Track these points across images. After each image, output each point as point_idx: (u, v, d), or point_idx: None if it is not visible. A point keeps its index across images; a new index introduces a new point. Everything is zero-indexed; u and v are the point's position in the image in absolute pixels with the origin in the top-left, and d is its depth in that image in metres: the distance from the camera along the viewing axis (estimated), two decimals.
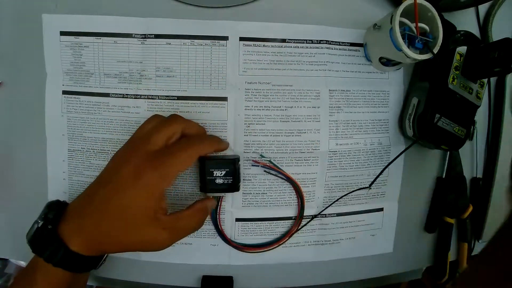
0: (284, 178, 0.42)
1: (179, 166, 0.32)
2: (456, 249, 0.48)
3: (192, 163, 0.34)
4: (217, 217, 0.42)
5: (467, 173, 0.47)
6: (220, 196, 0.41)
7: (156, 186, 0.32)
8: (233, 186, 0.39)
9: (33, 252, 0.32)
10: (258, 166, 0.41)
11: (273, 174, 0.42)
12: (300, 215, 0.43)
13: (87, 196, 0.33)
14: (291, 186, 0.42)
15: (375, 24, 0.38)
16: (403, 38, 0.35)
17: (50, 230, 0.31)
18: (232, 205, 0.42)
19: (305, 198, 0.42)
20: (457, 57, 0.39)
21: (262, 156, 0.41)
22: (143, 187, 0.31)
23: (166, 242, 0.33)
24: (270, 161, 0.41)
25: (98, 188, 0.33)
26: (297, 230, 0.43)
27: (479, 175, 0.48)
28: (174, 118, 0.36)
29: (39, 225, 0.32)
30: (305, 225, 0.43)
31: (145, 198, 0.31)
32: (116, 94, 0.40)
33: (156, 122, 0.35)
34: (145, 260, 0.43)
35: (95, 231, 0.31)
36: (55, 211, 0.33)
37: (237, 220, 0.42)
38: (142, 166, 0.32)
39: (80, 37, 0.40)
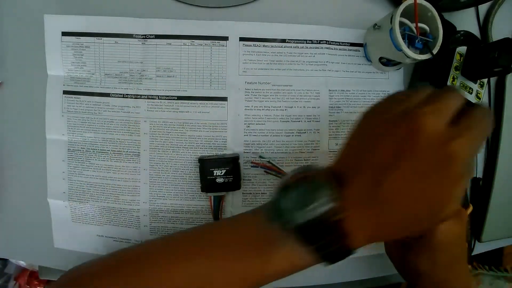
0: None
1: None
2: None
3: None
4: (219, 217, 0.41)
5: None
6: (221, 196, 0.41)
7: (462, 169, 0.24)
8: (234, 184, 0.39)
9: (297, 238, 0.25)
10: (258, 167, 0.41)
11: (273, 174, 0.42)
12: None
13: (372, 179, 0.25)
14: None
15: (375, 24, 0.38)
16: (403, 38, 0.35)
17: (336, 220, 0.24)
18: (232, 205, 0.42)
19: None
20: (457, 57, 0.39)
21: (262, 157, 0.41)
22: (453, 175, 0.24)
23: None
24: (269, 161, 0.41)
25: (387, 172, 0.24)
26: None
27: (479, 175, 0.48)
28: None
29: (326, 209, 0.24)
30: None
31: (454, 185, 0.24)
32: (116, 94, 0.40)
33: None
34: None
35: (383, 226, 0.25)
36: (337, 197, 0.24)
37: None
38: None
39: (82, 38, 0.40)
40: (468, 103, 0.27)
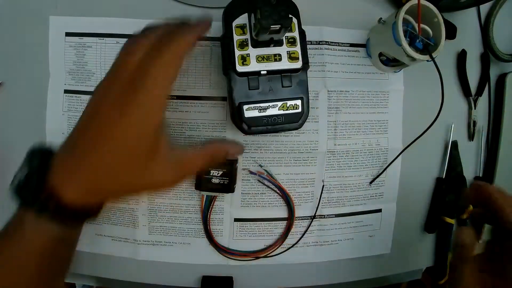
0: (277, 189, 0.42)
1: (163, 79, 0.26)
2: None
3: (181, 64, 0.27)
4: (208, 216, 0.42)
5: (470, 172, 0.47)
6: (213, 196, 0.41)
7: (146, 117, 0.26)
8: (228, 187, 0.39)
9: (21, 204, 0.28)
10: (255, 175, 0.42)
11: (265, 185, 0.42)
12: (287, 231, 0.43)
13: (75, 139, 0.28)
14: (289, 187, 0.43)
15: (380, 18, 0.38)
16: (405, 35, 0.35)
17: (38, 179, 0.27)
18: (230, 205, 0.42)
19: (303, 199, 0.43)
20: (237, 32, 0.33)
21: (261, 166, 0.42)
22: (131, 121, 0.26)
23: (172, 176, 0.29)
24: (267, 172, 0.42)
25: (86, 129, 0.27)
26: (286, 238, 0.43)
27: (479, 175, 0.48)
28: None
29: (25, 173, 0.27)
30: (307, 227, 0.44)
31: (138, 131, 0.26)
32: None
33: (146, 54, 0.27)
34: (145, 260, 0.43)
35: (91, 176, 0.27)
36: (41, 157, 0.28)
37: (236, 220, 0.43)
38: (122, 100, 0.26)
39: (84, 38, 0.41)
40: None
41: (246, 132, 0.34)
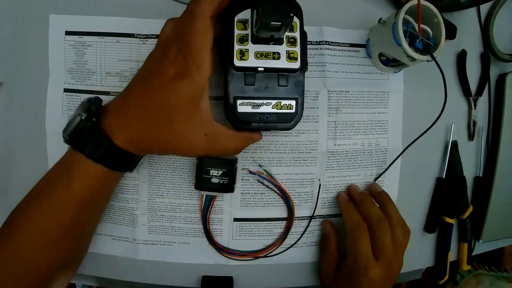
0: (276, 189, 0.42)
1: (202, 40, 0.30)
2: (456, 249, 0.48)
3: (210, 27, 0.31)
4: (207, 216, 0.42)
5: (470, 172, 0.48)
6: (213, 196, 0.41)
7: (195, 79, 0.30)
8: (228, 187, 0.39)
9: (73, 147, 0.31)
10: (255, 175, 0.42)
11: (265, 185, 0.42)
12: (286, 231, 0.43)
13: (129, 92, 0.32)
14: (288, 187, 0.43)
15: (380, 19, 0.38)
16: (405, 36, 0.35)
17: (94, 124, 0.30)
18: (230, 205, 0.42)
19: (303, 199, 0.43)
20: (238, 26, 0.33)
21: (261, 166, 0.42)
22: (182, 85, 0.30)
23: (204, 146, 0.32)
24: (267, 171, 0.42)
25: (138, 85, 0.32)
26: (285, 238, 0.43)
27: (479, 175, 0.48)
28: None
29: (83, 118, 0.30)
30: (307, 227, 0.44)
31: (187, 93, 0.30)
32: (116, 92, 0.41)
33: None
34: (145, 260, 0.43)
35: (138, 127, 0.31)
36: (97, 105, 0.31)
37: (235, 220, 0.43)
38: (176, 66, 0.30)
39: (84, 37, 0.41)
40: None
41: (238, 128, 0.34)
